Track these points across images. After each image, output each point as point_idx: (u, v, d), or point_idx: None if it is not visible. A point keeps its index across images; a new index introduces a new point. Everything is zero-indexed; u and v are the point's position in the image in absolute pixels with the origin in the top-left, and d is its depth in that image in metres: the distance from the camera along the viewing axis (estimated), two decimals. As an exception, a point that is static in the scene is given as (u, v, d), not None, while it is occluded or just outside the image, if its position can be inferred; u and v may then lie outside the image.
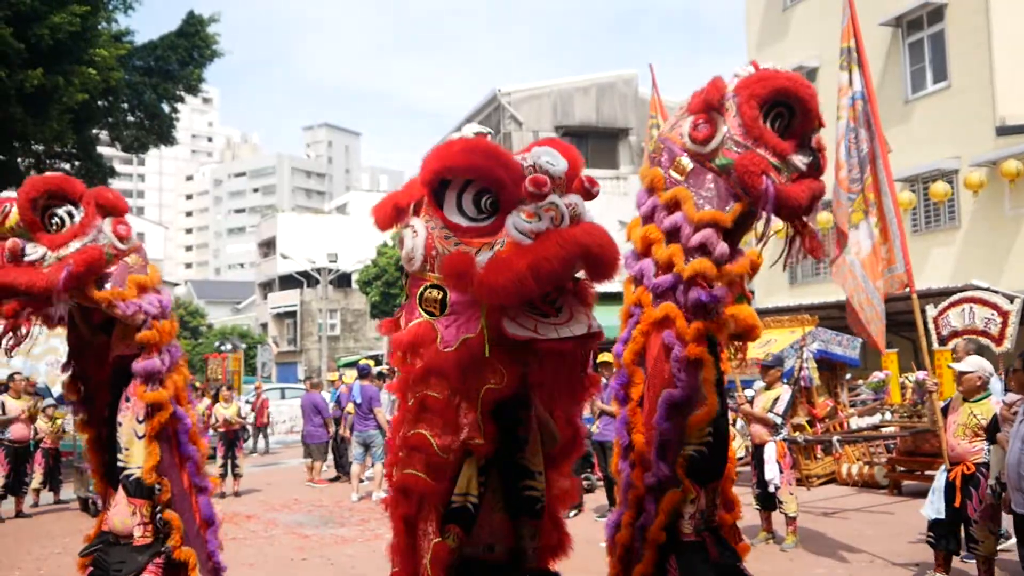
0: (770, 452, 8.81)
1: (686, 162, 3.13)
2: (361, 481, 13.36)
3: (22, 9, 14.95)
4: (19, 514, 12.01)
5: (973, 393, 6.77)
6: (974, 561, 6.74)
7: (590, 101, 30.29)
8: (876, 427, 13.12)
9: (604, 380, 10.98)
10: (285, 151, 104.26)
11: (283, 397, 25.53)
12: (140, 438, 3.80)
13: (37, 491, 12.76)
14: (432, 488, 2.67)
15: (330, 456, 16.27)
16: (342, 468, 15.50)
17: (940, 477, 6.96)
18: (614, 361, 3.41)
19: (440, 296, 2.68)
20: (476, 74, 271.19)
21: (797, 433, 11.75)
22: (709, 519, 3.31)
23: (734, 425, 11.13)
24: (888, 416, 13.47)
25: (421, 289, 2.71)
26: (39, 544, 10.02)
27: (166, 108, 21.47)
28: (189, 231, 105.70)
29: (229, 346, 34.13)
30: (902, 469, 11.76)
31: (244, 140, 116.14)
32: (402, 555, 2.79)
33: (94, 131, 20.50)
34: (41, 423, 12.58)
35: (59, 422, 12.50)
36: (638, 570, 3.18)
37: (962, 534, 6.87)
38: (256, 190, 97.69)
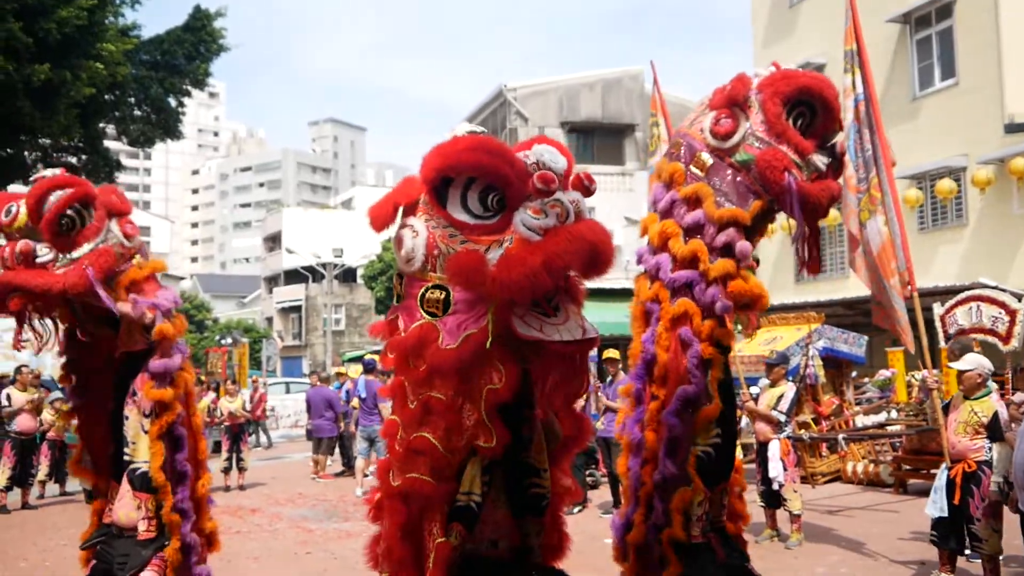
0: (774, 450, 8.81)
1: (706, 158, 3.10)
2: (366, 476, 13.37)
3: (30, 3, 14.96)
4: (25, 505, 12.06)
5: (974, 391, 6.76)
6: (979, 560, 6.73)
7: (596, 97, 30.28)
8: (882, 425, 13.10)
9: (609, 376, 11.02)
10: (291, 146, 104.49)
11: (288, 391, 25.56)
12: (146, 433, 3.80)
13: (43, 483, 12.81)
14: (437, 491, 2.64)
15: (336, 450, 16.33)
16: (348, 463, 15.54)
17: (941, 475, 6.95)
18: (632, 356, 3.37)
19: (443, 296, 2.64)
20: (482, 70, 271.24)
21: (802, 431, 11.73)
22: (716, 520, 3.30)
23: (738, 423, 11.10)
24: (894, 414, 13.45)
25: (422, 290, 2.67)
26: (45, 535, 10.06)
27: (172, 102, 21.48)
28: (195, 225, 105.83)
29: (230, 340, 34.19)
30: (907, 467, 11.74)
31: (250, 135, 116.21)
32: (399, 562, 2.74)
33: (101, 125, 20.51)
34: (47, 415, 12.62)
35: (65, 408, 12.54)
36: (671, 572, 3.14)
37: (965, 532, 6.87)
38: (262, 185, 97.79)
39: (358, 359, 25.12)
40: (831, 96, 2.98)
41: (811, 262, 3.29)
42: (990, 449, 6.55)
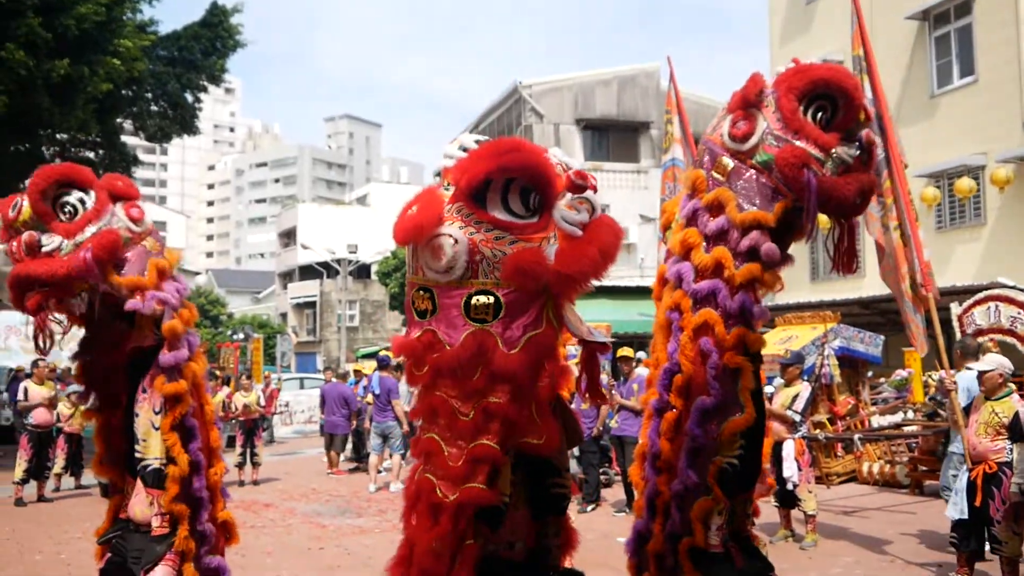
0: (788, 450, 8.76)
1: (727, 162, 3.05)
2: (379, 472, 13.41)
3: (50, 0, 15.07)
4: (41, 498, 12.14)
5: (995, 391, 6.71)
6: (996, 560, 6.68)
7: (611, 94, 30.19)
8: (898, 426, 13.02)
9: (623, 375, 11.00)
10: (306, 142, 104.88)
11: (302, 387, 25.62)
12: (157, 429, 3.80)
13: (59, 476, 12.90)
14: (491, 498, 2.60)
15: (349, 446, 16.38)
16: (363, 458, 15.58)
17: (962, 477, 6.90)
18: (655, 365, 3.33)
19: (491, 301, 2.60)
20: (497, 66, 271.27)
21: (818, 431, 11.67)
22: (739, 529, 3.26)
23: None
24: (910, 415, 13.37)
25: (466, 298, 2.63)
26: (60, 528, 10.12)
27: (189, 98, 21.59)
28: (211, 220, 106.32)
29: (242, 335, 34.31)
30: (924, 468, 11.66)
31: (266, 130, 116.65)
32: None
33: (118, 120, 20.64)
34: (63, 408, 12.71)
35: (82, 408, 12.62)
36: None
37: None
38: (277, 180, 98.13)
39: (372, 355, 25.15)
40: (850, 86, 2.91)
41: (844, 260, 3.21)
42: (1011, 450, 6.50)
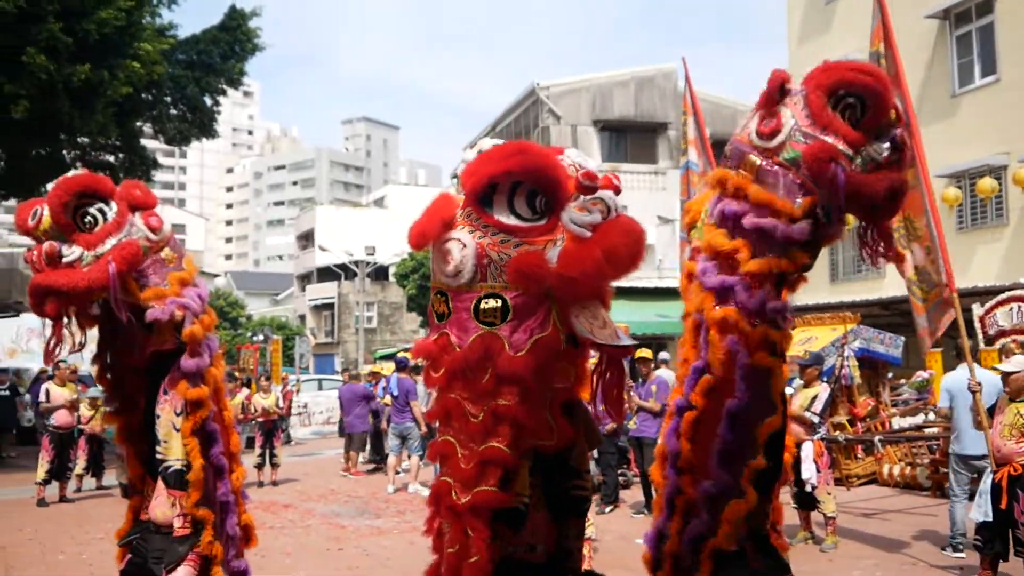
0: (807, 451, 8.71)
1: (754, 159, 3.01)
2: (397, 473, 13.44)
3: (71, 4, 15.20)
4: (62, 499, 12.24)
5: (1020, 393, 6.64)
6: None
7: (629, 95, 30.10)
8: (919, 427, 12.91)
9: (641, 376, 10.97)
10: (324, 144, 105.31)
11: (320, 388, 25.71)
12: (178, 431, 3.82)
13: (80, 477, 12.99)
14: (503, 500, 2.61)
15: (367, 447, 16.42)
16: (381, 460, 15.62)
17: (986, 479, 6.84)
18: (683, 361, 3.30)
19: (499, 304, 2.62)
20: (514, 68, 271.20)
21: (838, 432, 11.60)
22: (757, 528, 3.23)
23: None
24: (931, 416, 13.24)
25: (475, 301, 2.65)
26: (82, 529, 10.20)
27: (208, 101, 21.74)
28: (229, 223, 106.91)
29: (262, 336, 34.45)
30: (945, 471, 11.54)
31: (284, 133, 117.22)
32: None
33: (138, 124, 20.82)
34: (84, 410, 12.81)
35: (103, 410, 12.73)
36: None
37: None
38: (295, 183, 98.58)
39: (390, 356, 25.21)
40: (879, 84, 2.87)
41: (872, 256, 3.16)
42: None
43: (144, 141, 21.97)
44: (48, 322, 3.71)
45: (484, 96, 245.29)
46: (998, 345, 9.61)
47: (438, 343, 2.73)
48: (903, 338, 14.21)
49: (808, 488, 8.64)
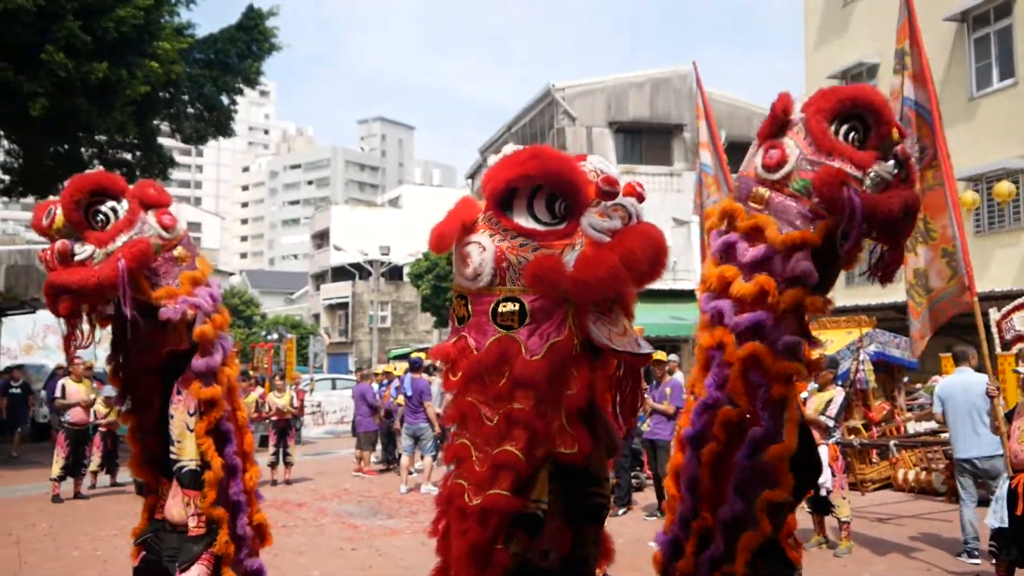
0: (822, 455, 8.66)
1: (763, 191, 2.99)
2: (410, 473, 13.45)
3: (89, 3, 15.30)
4: (77, 495, 12.31)
5: (1038, 398, 6.59)
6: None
7: (644, 97, 30.05)
8: (934, 432, 12.82)
9: (655, 379, 10.94)
10: (339, 144, 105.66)
11: (334, 387, 25.78)
12: (191, 431, 3.83)
13: (95, 473, 13.08)
14: (515, 505, 2.59)
15: (379, 447, 16.45)
16: (394, 460, 15.64)
17: (1003, 485, 6.78)
18: (689, 390, 3.30)
19: (517, 308, 2.63)
20: (529, 69, 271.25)
21: (852, 436, 11.53)
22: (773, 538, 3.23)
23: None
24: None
25: (494, 304, 2.66)
26: (96, 525, 10.25)
27: (225, 100, 21.84)
28: (245, 222, 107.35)
29: (276, 335, 34.55)
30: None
31: (299, 133, 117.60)
32: None
33: (155, 122, 20.92)
34: (100, 407, 12.88)
35: (116, 409, 12.79)
36: None
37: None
38: (311, 182, 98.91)
39: (404, 356, 25.25)
40: (879, 103, 2.86)
41: (884, 277, 3.16)
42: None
43: (161, 140, 22.09)
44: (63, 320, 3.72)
45: (499, 97, 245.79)
46: (1015, 350, 9.53)
47: (456, 346, 2.74)
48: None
49: (822, 492, 8.60)
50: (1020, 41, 17.65)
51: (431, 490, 12.62)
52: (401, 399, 14.24)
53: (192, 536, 3.84)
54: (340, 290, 55.16)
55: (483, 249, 2.66)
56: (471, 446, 2.65)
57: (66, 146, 18.96)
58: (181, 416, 3.85)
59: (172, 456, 3.87)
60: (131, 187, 3.87)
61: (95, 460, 12.96)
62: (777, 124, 2.99)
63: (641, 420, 10.92)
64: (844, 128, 2.89)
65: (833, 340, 13.33)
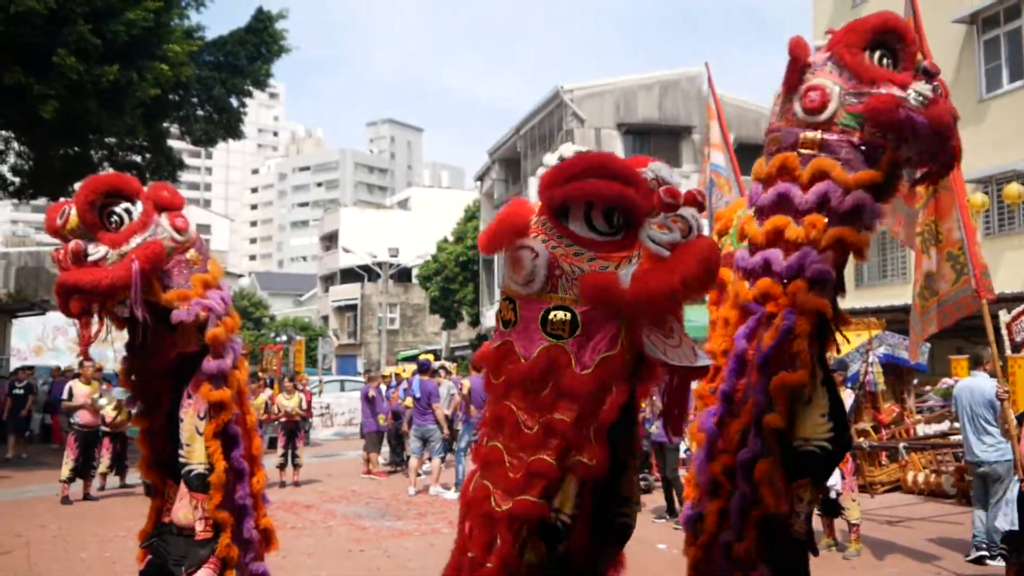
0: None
1: (813, 135, 2.98)
2: (419, 475, 13.45)
3: (99, 6, 15.35)
4: (86, 497, 12.33)
5: (1049, 402, 6.56)
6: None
7: (653, 99, 30.03)
8: (944, 434, 12.77)
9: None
10: (348, 146, 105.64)
11: (343, 389, 25.79)
12: (201, 434, 3.83)
13: (104, 475, 13.09)
14: (543, 512, 2.58)
15: (385, 448, 16.47)
16: (403, 461, 15.66)
17: (1013, 488, 6.76)
18: (709, 352, 3.30)
19: (568, 318, 2.58)
20: (538, 71, 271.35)
21: (862, 439, 11.49)
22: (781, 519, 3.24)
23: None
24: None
25: (544, 312, 2.61)
26: (104, 527, 10.28)
27: (234, 103, 21.87)
28: (254, 224, 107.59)
29: (285, 337, 34.62)
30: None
31: (308, 135, 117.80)
32: None
33: (165, 125, 20.99)
34: (108, 410, 12.88)
35: (126, 411, 12.79)
36: (741, 548, 3.10)
37: None
38: (319, 184, 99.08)
39: (412, 358, 25.26)
40: (902, 25, 2.91)
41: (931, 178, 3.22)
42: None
43: (170, 142, 22.15)
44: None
45: (508, 99, 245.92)
46: (1025, 353, 9.49)
47: (500, 350, 2.70)
48: (929, 344, 14.06)
49: (832, 495, 8.57)
50: (1030, 42, 17.56)
51: (440, 492, 12.61)
52: (409, 401, 14.25)
53: (199, 540, 3.85)
54: (349, 292, 55.22)
55: (535, 255, 2.61)
56: (504, 451, 2.63)
57: (76, 148, 19.02)
58: (191, 420, 3.86)
59: (181, 459, 3.87)
60: (145, 189, 3.88)
61: (104, 462, 12.98)
62: (799, 68, 2.99)
63: (649, 423, 10.90)
64: (876, 55, 2.90)
65: (842, 342, 13.29)
